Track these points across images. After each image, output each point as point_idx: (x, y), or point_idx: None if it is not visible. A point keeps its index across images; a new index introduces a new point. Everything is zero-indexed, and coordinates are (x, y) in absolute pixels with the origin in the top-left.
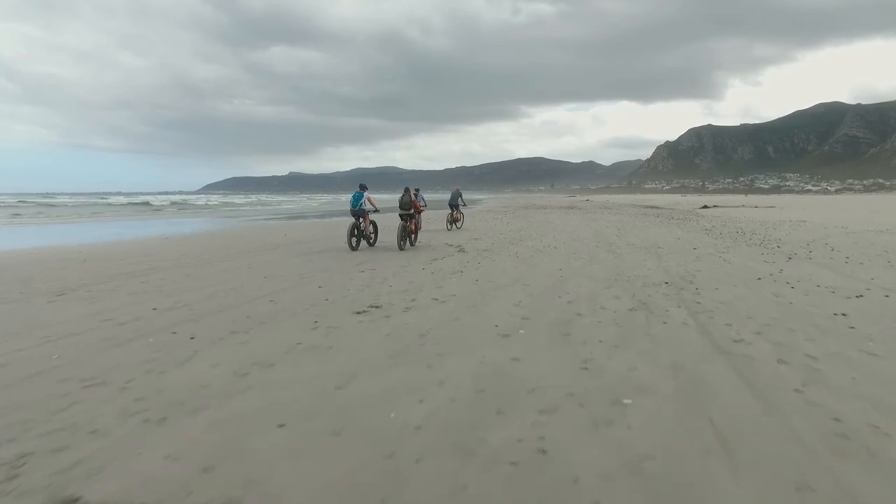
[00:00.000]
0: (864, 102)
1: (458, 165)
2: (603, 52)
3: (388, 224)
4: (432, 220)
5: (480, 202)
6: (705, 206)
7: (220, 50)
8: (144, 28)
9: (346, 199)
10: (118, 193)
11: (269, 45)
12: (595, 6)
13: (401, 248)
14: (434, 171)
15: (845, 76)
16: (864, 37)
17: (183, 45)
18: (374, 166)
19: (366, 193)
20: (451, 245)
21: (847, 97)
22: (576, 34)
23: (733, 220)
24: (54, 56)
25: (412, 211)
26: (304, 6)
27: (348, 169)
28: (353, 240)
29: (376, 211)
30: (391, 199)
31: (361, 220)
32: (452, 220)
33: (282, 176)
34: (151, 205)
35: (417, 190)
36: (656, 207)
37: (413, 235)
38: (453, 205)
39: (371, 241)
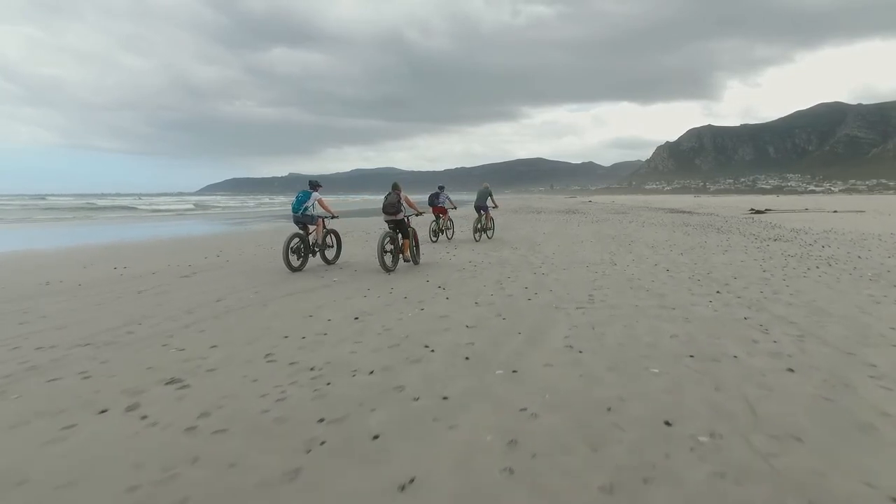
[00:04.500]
0: (865, 102)
1: (459, 166)
2: (603, 53)
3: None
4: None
5: (470, 204)
6: (754, 210)
7: (221, 51)
8: (146, 30)
9: (351, 199)
10: (116, 194)
11: (269, 47)
12: (594, 7)
13: (385, 270)
14: (435, 171)
15: (845, 77)
16: (864, 37)
17: (185, 47)
18: (374, 167)
19: (315, 194)
20: (452, 270)
21: (847, 98)
22: (575, 35)
23: None
24: (57, 57)
25: (401, 216)
26: (303, 8)
27: (349, 170)
28: (293, 257)
29: (333, 217)
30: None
31: (312, 229)
32: (481, 229)
33: (282, 177)
34: (135, 208)
35: (442, 188)
36: (685, 212)
37: (409, 250)
38: (481, 207)
39: (329, 258)
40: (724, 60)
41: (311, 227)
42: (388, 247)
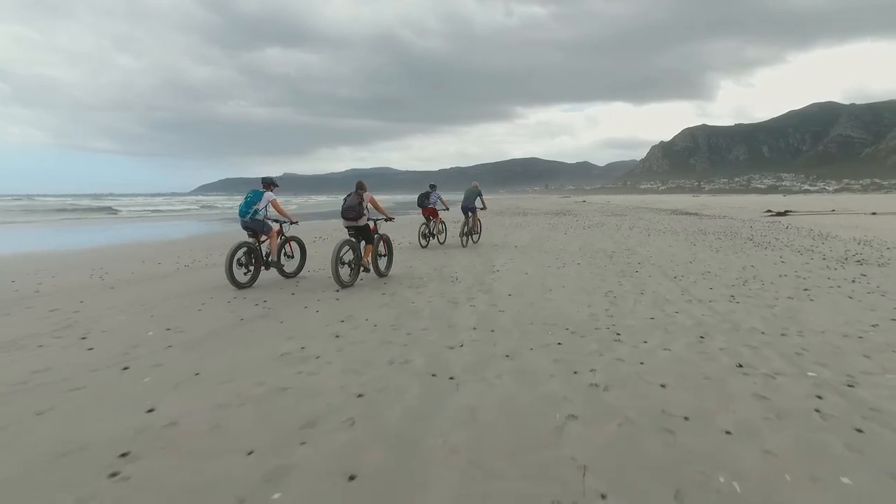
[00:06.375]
0: (857, 102)
1: (453, 166)
2: (596, 53)
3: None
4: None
5: (456, 203)
6: (771, 212)
7: (215, 52)
8: (140, 30)
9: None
10: (109, 195)
11: (263, 47)
12: (587, 8)
13: (340, 285)
14: (429, 171)
15: (836, 77)
16: (855, 39)
17: (178, 48)
18: (368, 167)
19: (269, 194)
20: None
21: (840, 98)
22: (569, 36)
23: None
24: (50, 58)
25: (363, 221)
26: (297, 9)
27: (343, 170)
28: (240, 270)
29: (292, 223)
30: (381, 200)
31: (264, 237)
32: (468, 233)
33: (277, 177)
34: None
35: (433, 187)
36: (692, 214)
37: (372, 256)
38: (469, 208)
39: (289, 271)
40: (716, 61)
41: (264, 236)
42: (346, 258)
